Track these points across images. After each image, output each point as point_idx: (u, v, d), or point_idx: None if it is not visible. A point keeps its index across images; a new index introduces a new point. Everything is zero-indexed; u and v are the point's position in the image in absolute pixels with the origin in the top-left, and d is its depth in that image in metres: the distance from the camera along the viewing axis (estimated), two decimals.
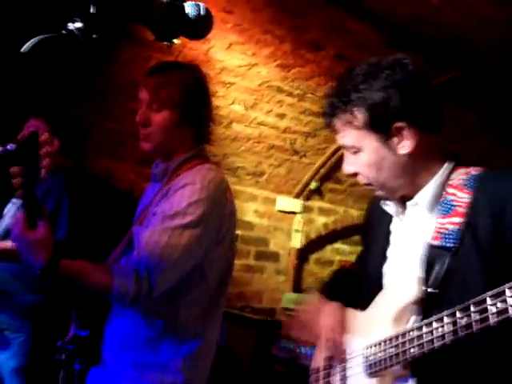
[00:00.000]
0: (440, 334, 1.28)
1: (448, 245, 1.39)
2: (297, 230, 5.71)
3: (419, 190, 1.52)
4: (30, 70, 1.02)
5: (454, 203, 1.33)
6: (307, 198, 5.74)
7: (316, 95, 4.78)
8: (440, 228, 1.42)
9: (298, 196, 5.68)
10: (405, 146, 1.47)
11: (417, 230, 1.53)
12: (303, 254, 5.80)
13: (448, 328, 1.26)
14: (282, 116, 4.96)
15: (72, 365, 1.88)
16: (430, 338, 1.31)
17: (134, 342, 1.89)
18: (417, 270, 1.45)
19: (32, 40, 1.02)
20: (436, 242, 1.41)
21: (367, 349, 1.54)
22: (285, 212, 5.64)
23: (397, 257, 1.59)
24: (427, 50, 4.25)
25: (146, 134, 1.99)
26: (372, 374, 1.51)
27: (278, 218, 5.63)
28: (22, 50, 1.02)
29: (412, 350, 1.35)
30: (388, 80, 1.45)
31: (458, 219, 1.39)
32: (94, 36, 1.08)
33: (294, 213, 5.69)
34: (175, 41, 1.22)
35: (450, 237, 1.39)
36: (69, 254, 2.75)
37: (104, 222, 3.20)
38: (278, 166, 5.39)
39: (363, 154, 1.50)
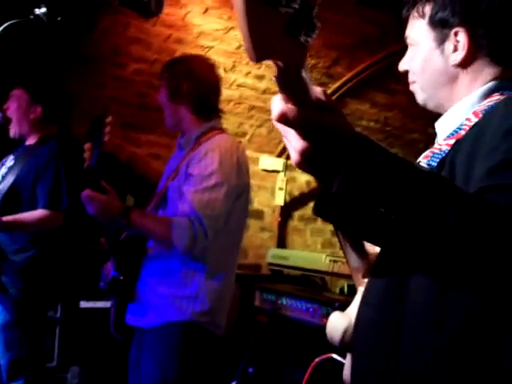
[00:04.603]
0: None
1: (431, 163, 1.27)
2: (280, 188, 5.87)
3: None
4: (2, 49, 1.19)
5: (463, 127, 1.18)
6: (289, 157, 5.85)
7: None
8: (435, 148, 1.30)
9: (280, 155, 5.82)
10: (456, 57, 1.33)
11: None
12: (287, 212, 5.97)
13: None
14: (260, 77, 5.06)
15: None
16: None
17: (171, 279, 2.29)
18: None
19: (3, 25, 1.18)
20: (424, 161, 1.30)
21: None
22: (268, 171, 5.79)
23: None
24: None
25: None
26: None
27: (262, 176, 5.77)
28: None
29: None
30: None
31: (453, 141, 1.25)
32: (59, 18, 1.24)
33: (276, 171, 5.84)
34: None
35: (436, 156, 1.27)
36: (70, 219, 2.96)
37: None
38: (260, 126, 5.52)
39: (418, 49, 1.40)
